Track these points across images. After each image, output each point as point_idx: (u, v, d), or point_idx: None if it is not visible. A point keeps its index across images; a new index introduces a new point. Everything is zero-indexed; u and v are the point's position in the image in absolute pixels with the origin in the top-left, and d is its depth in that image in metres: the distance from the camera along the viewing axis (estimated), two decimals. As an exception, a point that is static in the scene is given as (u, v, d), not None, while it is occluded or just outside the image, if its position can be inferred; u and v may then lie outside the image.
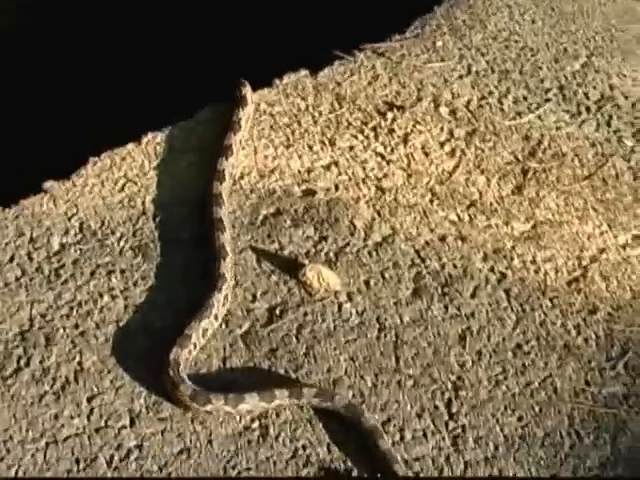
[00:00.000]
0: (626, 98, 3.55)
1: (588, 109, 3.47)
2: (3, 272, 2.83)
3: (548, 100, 3.48)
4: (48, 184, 3.06)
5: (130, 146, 3.19)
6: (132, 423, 2.55)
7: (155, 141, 3.21)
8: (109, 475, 2.45)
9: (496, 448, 2.57)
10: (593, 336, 2.82)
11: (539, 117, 3.41)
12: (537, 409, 2.65)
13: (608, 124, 3.44)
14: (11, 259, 2.87)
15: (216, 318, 2.73)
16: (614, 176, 3.26)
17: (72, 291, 2.80)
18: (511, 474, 2.52)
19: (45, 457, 2.46)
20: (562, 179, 3.22)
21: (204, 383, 2.60)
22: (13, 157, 3.34)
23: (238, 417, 2.56)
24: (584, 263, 3.00)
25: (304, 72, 3.47)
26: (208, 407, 2.53)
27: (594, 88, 3.56)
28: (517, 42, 3.70)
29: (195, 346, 2.67)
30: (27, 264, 2.85)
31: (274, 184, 3.11)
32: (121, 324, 2.74)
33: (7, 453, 2.46)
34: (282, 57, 3.57)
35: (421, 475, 2.50)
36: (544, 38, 3.72)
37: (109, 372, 2.64)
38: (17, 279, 2.82)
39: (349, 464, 2.51)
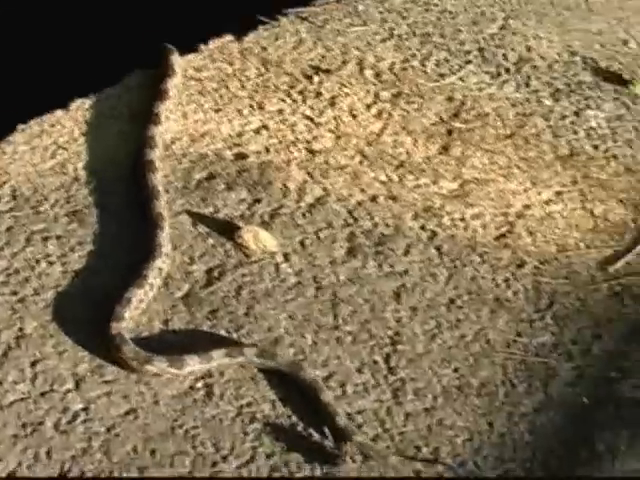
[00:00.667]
0: (543, 59, 3.65)
1: (507, 70, 3.57)
2: (-63, 241, 2.80)
3: (469, 62, 3.56)
4: (-23, 152, 3.04)
5: (59, 113, 3.18)
6: (77, 386, 2.56)
7: (84, 107, 3.20)
8: (57, 438, 2.46)
9: (435, 399, 2.65)
10: (522, 289, 2.92)
11: (461, 79, 3.49)
12: (472, 360, 2.74)
13: (527, 84, 3.54)
14: (-56, 228, 2.84)
15: (151, 287, 2.74)
16: (535, 135, 3.36)
17: (8, 258, 2.79)
18: (450, 423, 2.60)
19: (-8, 423, 2.47)
20: (486, 138, 3.31)
21: (147, 345, 2.62)
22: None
23: (181, 378, 2.59)
24: (510, 219, 3.09)
25: (229, 37, 3.49)
26: (150, 368, 2.56)
27: (512, 50, 3.66)
28: (437, 5, 3.78)
29: (135, 309, 2.68)
30: (-40, 232, 2.84)
31: (206, 148, 3.14)
32: (60, 290, 2.74)
33: (-47, 420, 2.46)
34: (206, 23, 3.59)
35: (364, 427, 2.57)
36: (462, 2, 3.80)
37: (51, 337, 2.64)
38: (-49, 248, 2.80)
39: (294, 419, 2.56)
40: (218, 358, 2.61)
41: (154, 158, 2.99)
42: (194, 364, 2.59)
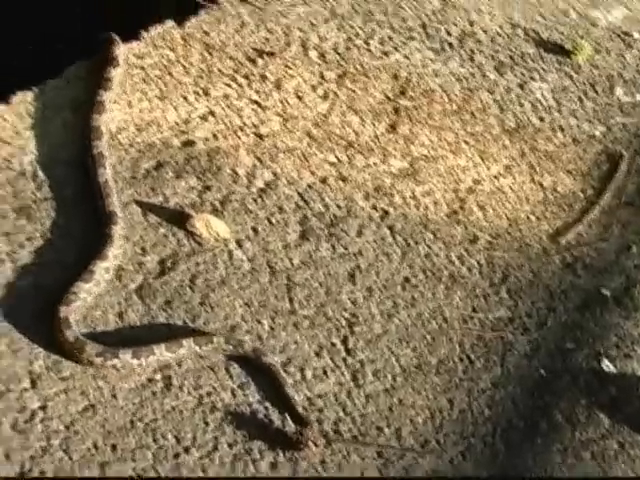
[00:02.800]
0: (485, 33, 3.66)
1: (451, 45, 3.57)
2: None
3: (412, 39, 3.55)
4: None
5: (1, 107, 3.12)
6: (33, 385, 2.53)
7: (26, 100, 3.14)
8: (15, 438, 2.43)
9: (394, 379, 2.66)
10: (476, 264, 2.94)
11: (405, 56, 3.49)
12: (429, 338, 2.75)
13: (471, 59, 3.54)
14: None
15: (97, 284, 2.71)
16: (481, 109, 3.37)
17: (-44, 258, 2.75)
18: (410, 402, 2.61)
19: (-52, 426, 2.43)
20: (433, 115, 3.31)
21: (103, 340, 2.60)
22: None
23: (144, 370, 2.57)
24: (461, 195, 3.10)
25: (170, 23, 3.44)
26: (116, 362, 2.54)
27: (455, 25, 3.66)
28: (378, -17, 3.76)
29: (83, 303, 2.66)
30: None
31: (152, 137, 3.10)
32: (11, 286, 2.70)
33: None
34: (146, 9, 3.55)
35: (325, 411, 2.57)
36: (404, -22, 3.79)
37: (4, 336, 2.61)
38: None
39: (254, 407, 2.56)
40: (188, 347, 2.59)
41: (102, 150, 2.95)
42: (162, 354, 2.57)
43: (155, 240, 2.85)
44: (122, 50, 3.26)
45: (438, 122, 3.28)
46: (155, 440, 2.47)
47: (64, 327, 2.57)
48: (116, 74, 3.18)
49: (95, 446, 2.44)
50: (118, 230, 2.79)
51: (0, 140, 3.02)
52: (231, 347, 2.62)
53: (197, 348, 2.60)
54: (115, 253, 2.76)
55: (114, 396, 2.54)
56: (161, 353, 2.57)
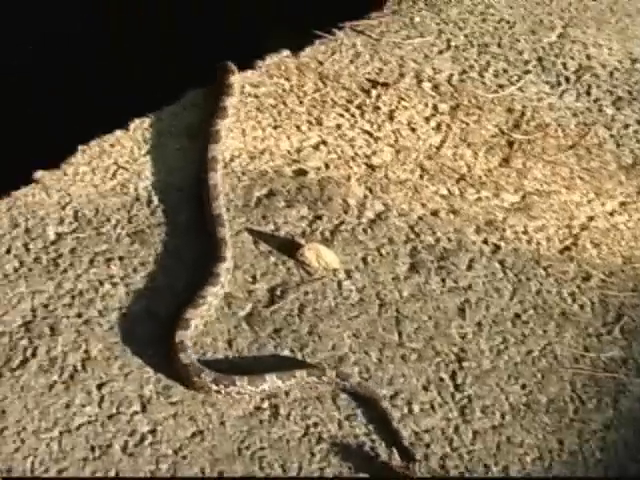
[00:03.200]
0: (603, 67, 3.61)
1: (567, 79, 3.53)
2: (1, 264, 2.82)
3: (528, 72, 3.52)
4: (39, 174, 3.05)
5: (118, 133, 3.19)
6: (144, 408, 2.56)
7: (143, 126, 3.21)
8: (125, 461, 2.46)
9: (503, 416, 2.62)
10: (588, 302, 2.88)
11: (520, 89, 3.46)
12: (539, 376, 2.71)
13: (588, 93, 3.49)
14: (8, 251, 2.86)
15: (209, 310, 2.74)
16: (597, 144, 3.32)
17: (72, 280, 2.80)
18: (519, 441, 2.57)
19: (60, 446, 2.47)
20: (547, 149, 3.27)
21: (212, 366, 2.62)
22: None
23: (251, 398, 2.58)
24: (575, 231, 3.05)
25: (286, 52, 3.48)
26: (231, 390, 2.56)
27: (572, 58, 3.62)
28: (493, 15, 3.74)
29: (196, 329, 2.69)
30: (24, 255, 2.85)
31: (265, 165, 3.13)
32: (124, 311, 2.75)
33: (22, 443, 2.47)
34: (263, 39, 3.59)
35: (432, 446, 2.54)
36: (520, 10, 3.76)
37: (116, 359, 2.65)
38: (16, 270, 2.82)
39: (360, 439, 2.54)
40: (300, 377, 2.60)
41: (217, 182, 2.98)
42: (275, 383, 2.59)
43: (265, 268, 2.87)
44: (238, 78, 3.30)
45: (552, 157, 3.24)
46: (261, 469, 2.47)
47: (180, 351, 2.60)
48: (230, 102, 3.22)
49: (202, 472, 2.46)
50: (229, 257, 2.82)
51: (117, 165, 3.08)
52: (341, 380, 2.61)
53: (309, 379, 2.60)
54: (226, 280, 2.78)
55: (222, 423, 2.55)
56: (273, 382, 2.58)
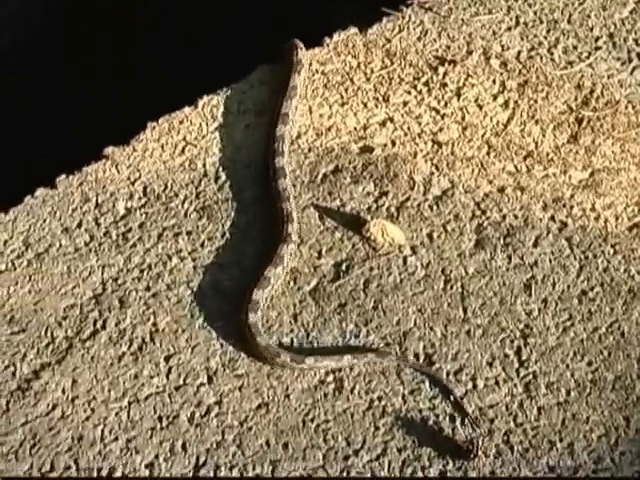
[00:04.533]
0: (675, 43, 3.55)
1: (639, 55, 3.47)
2: (72, 237, 2.88)
3: (598, 48, 3.48)
4: (109, 150, 3.10)
5: (187, 109, 3.22)
6: (210, 380, 2.60)
7: (211, 104, 3.24)
8: (192, 431, 2.50)
9: (568, 393, 2.61)
10: (657, 280, 2.85)
11: (590, 65, 3.42)
12: (606, 354, 2.69)
13: (659, 70, 3.44)
14: (79, 225, 2.92)
15: (274, 287, 2.77)
16: (668, 122, 3.27)
17: (141, 254, 2.85)
18: (584, 417, 2.56)
19: (129, 416, 2.52)
20: (617, 126, 3.23)
21: (279, 341, 2.65)
22: (70, 124, 3.38)
23: (313, 371, 2.61)
24: (644, 209, 3.02)
25: (353, 30, 3.48)
26: (304, 366, 2.59)
27: (643, 34, 3.56)
28: (564, -9, 3.69)
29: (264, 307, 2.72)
30: (95, 229, 2.90)
31: (331, 142, 3.14)
32: (191, 285, 2.79)
33: (92, 412, 2.53)
34: (329, 16, 3.60)
35: (496, 421, 2.55)
36: (590, -14, 3.71)
37: (183, 332, 2.69)
38: (86, 244, 2.87)
39: (425, 413, 2.56)
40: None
41: (284, 164, 3.01)
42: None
43: (331, 244, 2.89)
44: (305, 56, 3.31)
45: (622, 134, 3.20)
46: (326, 441, 2.50)
47: (256, 335, 2.63)
48: (299, 81, 3.23)
49: (267, 444, 2.49)
50: (294, 233, 2.84)
51: (186, 142, 3.12)
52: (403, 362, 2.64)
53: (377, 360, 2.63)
54: (291, 256, 2.81)
55: (287, 396, 2.58)
56: (350, 362, 2.61)
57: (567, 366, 2.66)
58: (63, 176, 3.02)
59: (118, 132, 3.16)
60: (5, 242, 2.87)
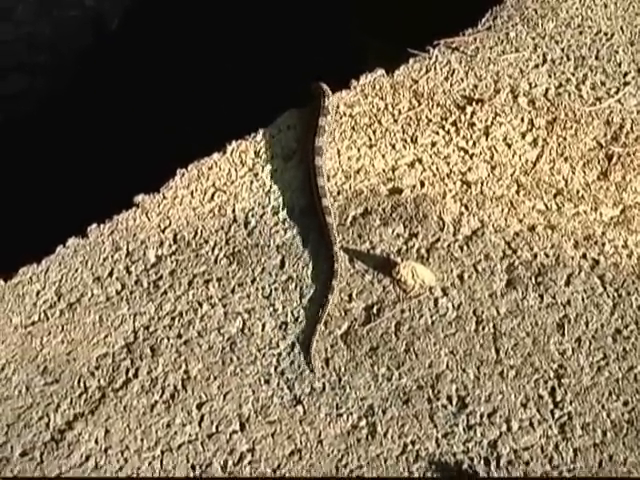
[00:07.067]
0: None
1: (668, 90, 3.46)
2: (104, 286, 2.89)
3: (627, 84, 3.47)
4: (139, 198, 3.12)
5: (216, 156, 3.23)
6: (242, 428, 2.60)
7: (240, 149, 3.25)
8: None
9: (604, 434, 2.58)
10: (692, 317, 2.82)
11: (619, 101, 3.40)
12: (642, 393, 2.66)
13: (689, 104, 3.42)
14: (110, 273, 2.93)
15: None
16: (699, 156, 3.25)
17: (172, 301, 2.86)
18: (622, 459, 2.53)
19: (162, 465, 2.52)
20: (647, 162, 3.21)
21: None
22: (101, 173, 3.42)
23: (345, 416, 2.60)
24: (677, 245, 2.99)
25: (380, 71, 3.49)
26: None
27: (672, 68, 3.55)
28: (591, 27, 3.69)
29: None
30: (126, 277, 2.92)
31: (360, 184, 3.15)
32: (222, 331, 2.79)
33: (125, 462, 2.53)
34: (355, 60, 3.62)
35: (532, 464, 2.52)
36: (618, 22, 3.70)
37: (215, 379, 2.69)
38: (118, 293, 2.89)
39: (459, 457, 2.53)
40: None
41: (328, 203, 3.03)
42: None
43: (361, 287, 2.88)
44: (332, 99, 3.32)
45: (653, 169, 3.18)
46: (359, 487, 2.49)
47: None
48: (326, 122, 3.25)
49: (300, 490, 2.48)
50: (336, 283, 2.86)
51: (215, 188, 3.14)
52: None
53: None
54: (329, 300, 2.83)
55: (320, 442, 2.57)
56: None
57: (602, 406, 2.63)
58: (94, 225, 3.04)
59: (148, 180, 3.18)
60: (38, 293, 2.89)
